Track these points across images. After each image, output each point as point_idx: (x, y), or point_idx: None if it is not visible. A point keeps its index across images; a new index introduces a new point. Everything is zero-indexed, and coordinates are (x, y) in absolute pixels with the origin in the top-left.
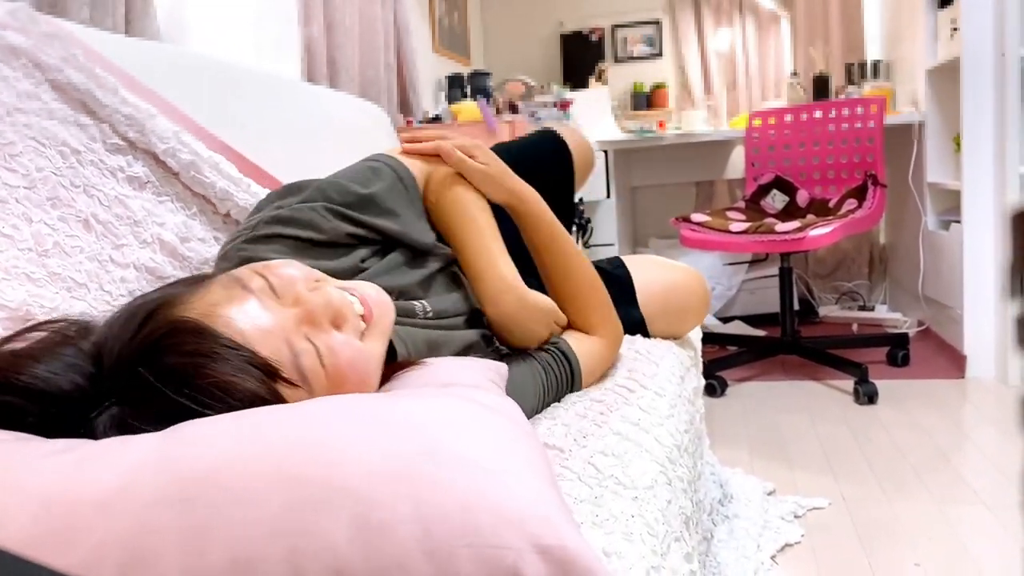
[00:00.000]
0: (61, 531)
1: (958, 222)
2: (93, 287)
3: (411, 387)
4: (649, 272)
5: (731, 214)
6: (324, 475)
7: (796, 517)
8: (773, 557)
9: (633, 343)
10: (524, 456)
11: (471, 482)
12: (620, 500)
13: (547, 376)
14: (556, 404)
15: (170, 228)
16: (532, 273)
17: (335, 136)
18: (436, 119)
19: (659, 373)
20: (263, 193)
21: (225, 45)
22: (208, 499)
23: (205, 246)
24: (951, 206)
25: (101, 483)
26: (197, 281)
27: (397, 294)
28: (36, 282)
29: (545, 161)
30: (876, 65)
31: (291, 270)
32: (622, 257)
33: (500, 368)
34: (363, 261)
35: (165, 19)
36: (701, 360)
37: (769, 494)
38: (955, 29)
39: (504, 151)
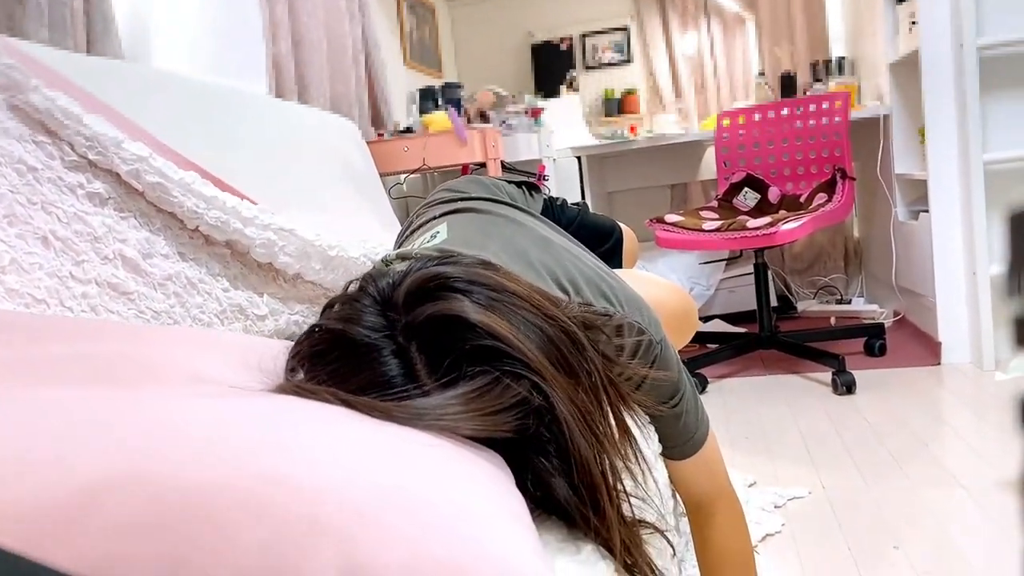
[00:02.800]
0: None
1: (926, 211)
2: (53, 303)
3: None
4: (639, 288)
5: (704, 213)
6: (307, 509)
7: (776, 507)
8: (755, 547)
9: None
10: (512, 509)
11: (463, 530)
12: None
13: None
14: None
15: (132, 244)
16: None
17: (306, 150)
18: (408, 131)
19: None
20: (242, 208)
21: (190, 64)
22: (186, 531)
23: (168, 262)
24: (919, 196)
25: (67, 488)
26: None
27: None
28: None
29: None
30: (841, 62)
31: None
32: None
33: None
34: None
35: (127, 38)
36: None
37: (750, 486)
38: (914, 23)
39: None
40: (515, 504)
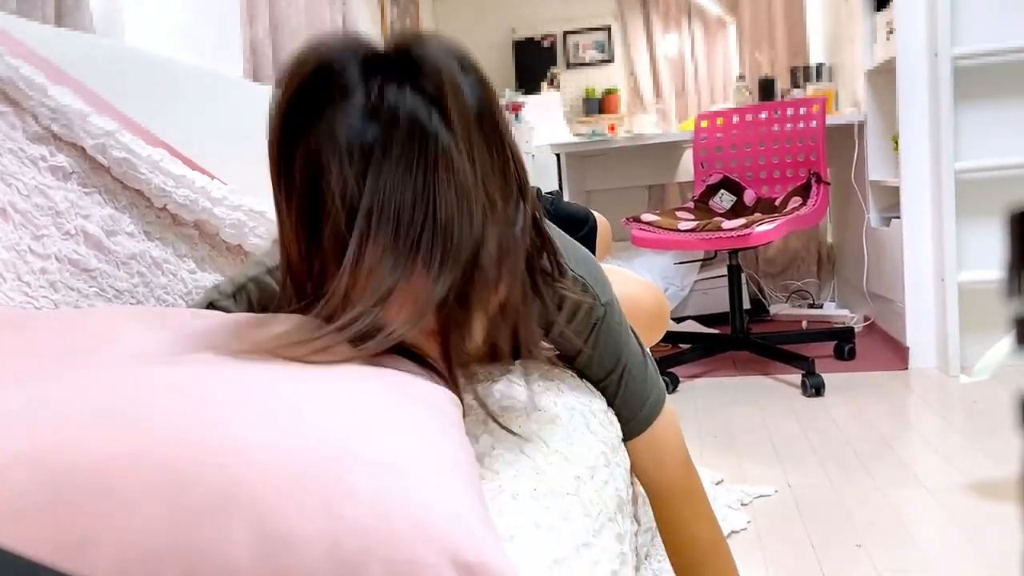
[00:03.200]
0: None
1: (898, 218)
2: (10, 277)
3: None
4: (613, 283)
5: (680, 214)
6: (219, 478)
7: (743, 505)
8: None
9: None
10: (448, 458)
11: (387, 489)
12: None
13: None
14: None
15: (95, 220)
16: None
17: None
18: None
19: None
20: (211, 188)
21: (163, 43)
22: (90, 507)
23: (133, 241)
24: (892, 203)
25: None
26: None
27: None
28: None
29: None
30: (819, 68)
31: None
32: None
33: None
34: None
35: (99, 14)
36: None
37: (717, 484)
38: (891, 31)
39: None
40: (452, 448)
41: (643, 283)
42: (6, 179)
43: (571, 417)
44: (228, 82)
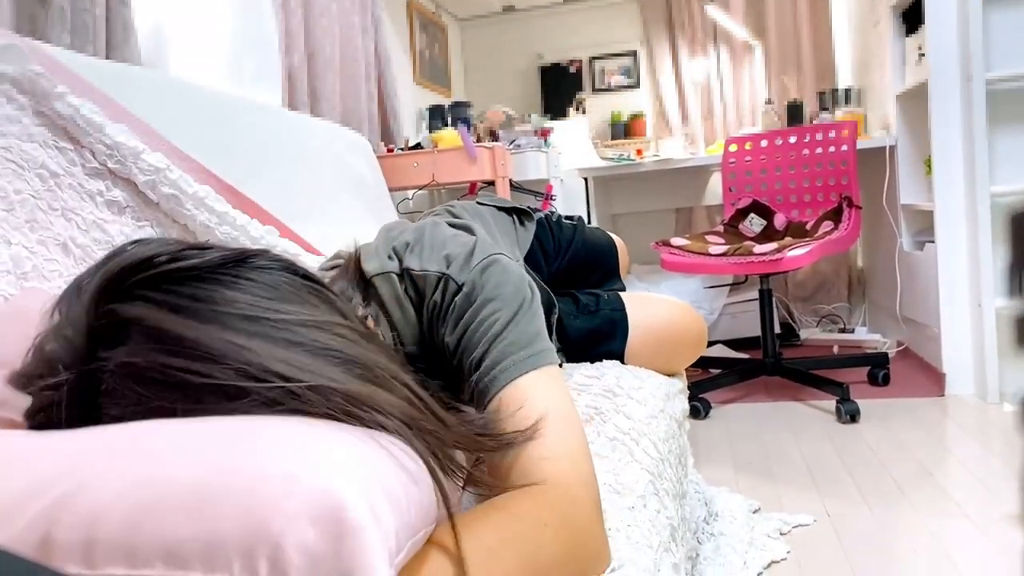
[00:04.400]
0: None
1: (932, 242)
2: None
3: None
4: (647, 310)
5: (710, 237)
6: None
7: (782, 534)
8: (760, 574)
9: (615, 366)
10: (346, 442)
11: (256, 453)
12: (614, 508)
13: None
14: None
15: None
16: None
17: (317, 162)
18: (417, 147)
19: (643, 387)
20: (251, 226)
21: (206, 73)
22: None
23: None
24: (925, 227)
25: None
26: None
27: None
28: None
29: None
30: (848, 92)
31: None
32: (623, 295)
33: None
34: None
35: (145, 46)
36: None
37: (754, 512)
38: (922, 55)
39: (583, 243)
40: (369, 447)
41: (681, 306)
42: (67, 214)
43: (614, 448)
44: (267, 111)
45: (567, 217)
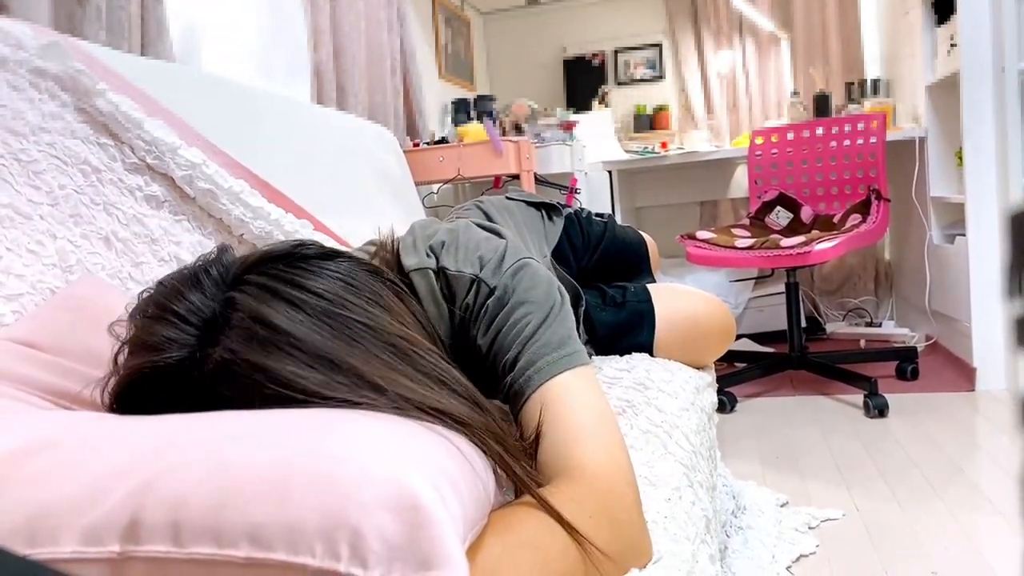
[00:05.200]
0: None
1: (963, 235)
2: None
3: None
4: (675, 302)
5: (736, 231)
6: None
7: (810, 528)
8: (789, 568)
9: (644, 359)
10: (417, 440)
11: (334, 449)
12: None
13: None
14: None
15: (186, 247)
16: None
17: (345, 156)
18: (443, 141)
19: (674, 380)
20: (285, 221)
21: (236, 68)
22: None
23: None
24: (955, 219)
25: None
26: None
27: None
28: None
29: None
30: (876, 83)
31: None
32: (650, 287)
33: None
34: None
35: (178, 42)
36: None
37: (782, 506)
38: (953, 45)
39: (612, 240)
40: (434, 444)
41: (708, 298)
42: (108, 209)
43: (647, 441)
44: (297, 106)
45: (597, 215)
